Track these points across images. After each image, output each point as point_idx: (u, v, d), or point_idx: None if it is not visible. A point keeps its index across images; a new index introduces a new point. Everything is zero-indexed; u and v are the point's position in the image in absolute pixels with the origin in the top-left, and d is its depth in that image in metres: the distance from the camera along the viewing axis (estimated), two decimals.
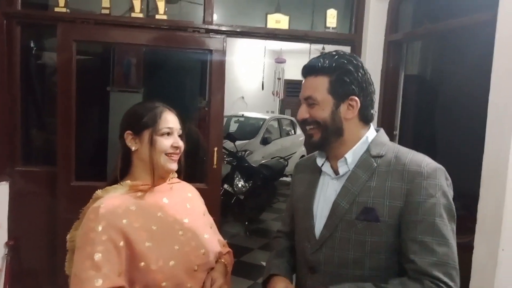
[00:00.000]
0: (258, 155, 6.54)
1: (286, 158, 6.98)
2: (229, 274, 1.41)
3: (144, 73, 4.08)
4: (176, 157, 1.29)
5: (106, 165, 3.63)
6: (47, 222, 2.75)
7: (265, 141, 6.80)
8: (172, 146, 1.27)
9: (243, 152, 5.95)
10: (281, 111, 10.92)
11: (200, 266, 1.26)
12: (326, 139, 1.20)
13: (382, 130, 1.26)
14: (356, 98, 1.17)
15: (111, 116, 3.90)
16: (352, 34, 3.00)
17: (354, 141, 1.21)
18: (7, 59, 2.66)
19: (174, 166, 1.29)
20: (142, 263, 1.14)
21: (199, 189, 2.81)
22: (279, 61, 10.08)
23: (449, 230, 1.08)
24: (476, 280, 1.91)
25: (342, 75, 1.16)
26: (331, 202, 1.19)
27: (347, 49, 3.14)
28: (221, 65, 2.79)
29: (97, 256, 1.09)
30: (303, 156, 8.65)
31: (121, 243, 1.13)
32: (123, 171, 1.30)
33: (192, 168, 3.97)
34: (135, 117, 1.28)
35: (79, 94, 2.72)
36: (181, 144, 1.29)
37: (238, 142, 5.91)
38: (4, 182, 2.67)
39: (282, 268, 1.32)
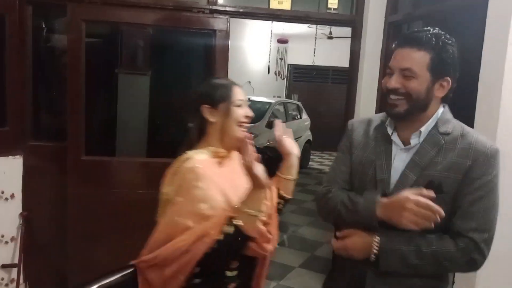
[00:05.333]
0: (264, 138, 6.63)
1: None
2: None
3: (151, 56, 4.18)
4: (246, 127, 1.43)
5: (115, 141, 3.76)
6: (58, 195, 2.88)
7: (270, 125, 6.87)
8: (245, 116, 1.42)
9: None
10: (288, 96, 10.97)
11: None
12: (411, 112, 1.25)
13: (447, 107, 1.32)
14: (449, 79, 1.24)
15: (119, 97, 4.01)
16: (353, 15, 3.06)
17: (430, 117, 1.28)
18: (18, 38, 2.76)
19: (243, 135, 1.41)
20: None
21: None
22: (282, 41, 10.10)
23: (493, 205, 1.23)
24: None
25: (443, 54, 1.21)
26: (398, 172, 1.28)
27: (348, 30, 3.20)
28: (225, 45, 2.87)
29: (203, 206, 1.25)
30: (308, 140, 8.75)
31: (219, 199, 1.28)
32: (197, 141, 1.43)
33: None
34: (209, 92, 1.42)
35: (88, 75, 2.82)
36: (251, 113, 1.44)
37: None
38: (18, 156, 2.80)
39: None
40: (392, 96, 1.24)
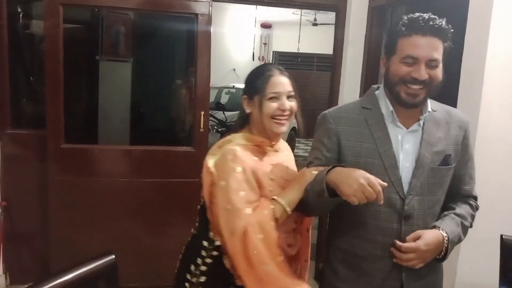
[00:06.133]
0: None
1: None
2: None
3: (133, 42, 4.10)
4: (284, 120, 1.37)
5: (97, 129, 3.71)
6: (38, 184, 2.82)
7: None
8: (279, 109, 1.35)
9: (233, 123, 6.02)
10: None
11: None
12: (427, 99, 1.31)
13: None
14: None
15: (100, 84, 3.95)
16: (337, 0, 3.03)
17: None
18: None
19: (281, 129, 1.38)
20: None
21: (186, 152, 2.92)
22: (265, 25, 10.03)
23: None
24: None
25: (450, 43, 1.26)
26: (411, 154, 1.31)
27: (332, 17, 3.18)
28: (207, 30, 2.82)
29: (242, 193, 1.26)
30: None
31: (255, 183, 1.31)
32: (240, 128, 1.45)
33: (180, 132, 4.00)
34: (249, 82, 1.42)
35: (68, 62, 2.74)
36: (287, 106, 1.36)
37: (229, 113, 5.98)
38: None
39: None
40: (415, 86, 1.24)
